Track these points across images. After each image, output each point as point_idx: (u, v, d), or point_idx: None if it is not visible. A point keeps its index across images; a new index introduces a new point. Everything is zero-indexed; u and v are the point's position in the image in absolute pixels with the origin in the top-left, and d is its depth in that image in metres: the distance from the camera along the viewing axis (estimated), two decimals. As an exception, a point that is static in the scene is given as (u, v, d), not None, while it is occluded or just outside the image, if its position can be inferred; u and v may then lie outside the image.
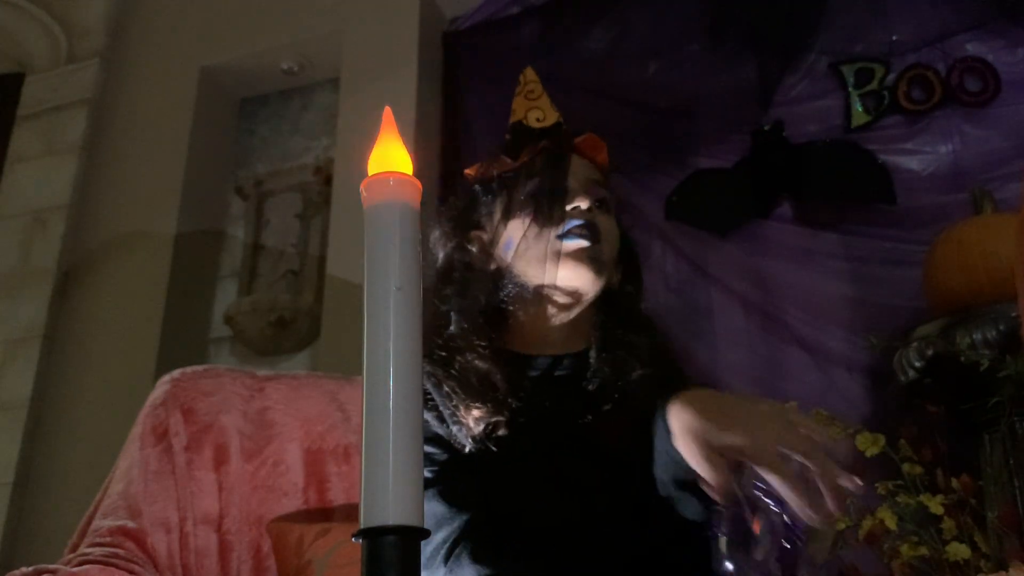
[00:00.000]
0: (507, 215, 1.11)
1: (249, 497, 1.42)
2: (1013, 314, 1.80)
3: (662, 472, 0.90)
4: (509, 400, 1.02)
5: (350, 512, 1.45)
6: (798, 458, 0.77)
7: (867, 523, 1.52)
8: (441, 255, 1.15)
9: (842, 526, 1.23)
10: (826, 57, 2.46)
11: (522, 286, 1.09)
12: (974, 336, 1.84)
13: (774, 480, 0.76)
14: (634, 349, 1.09)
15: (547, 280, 1.08)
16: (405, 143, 0.57)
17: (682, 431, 0.84)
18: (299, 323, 2.72)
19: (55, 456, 2.67)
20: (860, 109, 2.41)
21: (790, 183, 2.42)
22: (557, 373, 1.10)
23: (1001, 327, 1.82)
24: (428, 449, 1.01)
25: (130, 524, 1.29)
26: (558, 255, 1.07)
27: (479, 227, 1.15)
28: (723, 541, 0.79)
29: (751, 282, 2.40)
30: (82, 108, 3.11)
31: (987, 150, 2.28)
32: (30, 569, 1.12)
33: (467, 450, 1.00)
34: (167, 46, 3.16)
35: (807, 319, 2.31)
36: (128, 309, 2.79)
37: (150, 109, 3.07)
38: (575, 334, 1.12)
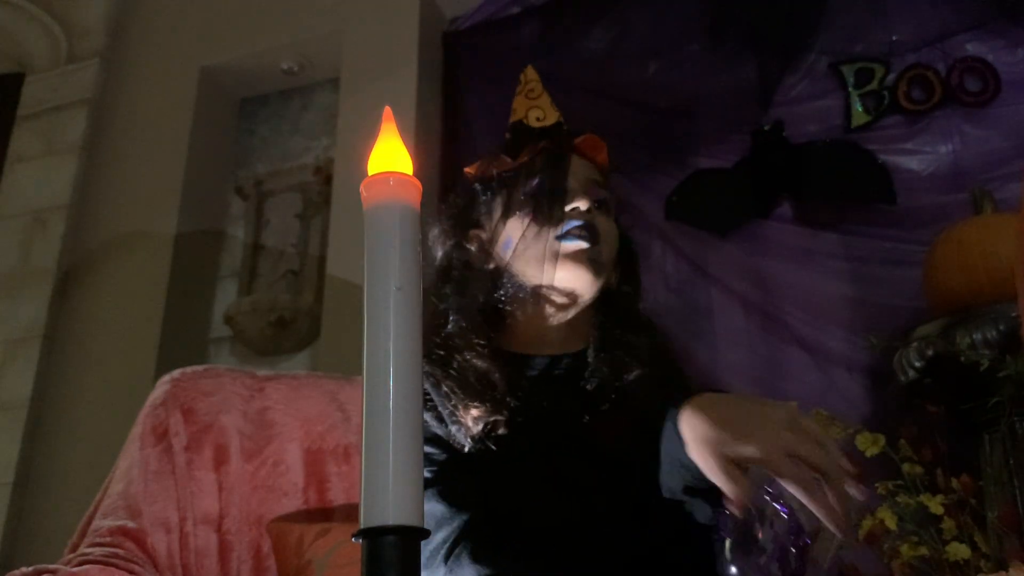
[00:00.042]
0: (506, 214, 1.11)
1: (249, 497, 1.42)
2: (1013, 314, 1.80)
3: (670, 479, 0.89)
4: (508, 399, 1.02)
5: (350, 512, 1.45)
6: (811, 467, 0.76)
7: (867, 523, 1.53)
8: (440, 253, 1.15)
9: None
10: (826, 57, 2.47)
11: (520, 286, 1.09)
12: (974, 336, 1.84)
13: (794, 489, 0.75)
14: (632, 349, 1.08)
15: (545, 281, 1.08)
16: (405, 143, 0.57)
17: (696, 441, 0.83)
18: (299, 323, 2.72)
19: (55, 456, 2.67)
20: (860, 109, 2.41)
21: (790, 183, 2.43)
22: (555, 373, 1.10)
23: (1001, 327, 1.83)
24: (427, 449, 1.01)
25: (130, 524, 1.29)
26: (556, 256, 1.07)
27: (478, 226, 1.14)
28: (728, 544, 0.79)
29: (751, 282, 2.40)
30: (82, 108, 3.11)
31: (987, 150, 2.28)
32: (30, 569, 1.12)
33: (466, 450, 1.00)
34: (167, 46, 3.16)
35: (807, 319, 2.31)
36: (128, 309, 2.79)
37: (150, 109, 3.07)
38: (573, 334, 1.12)
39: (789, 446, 0.77)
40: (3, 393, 2.77)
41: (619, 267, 1.16)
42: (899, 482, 1.57)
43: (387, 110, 0.58)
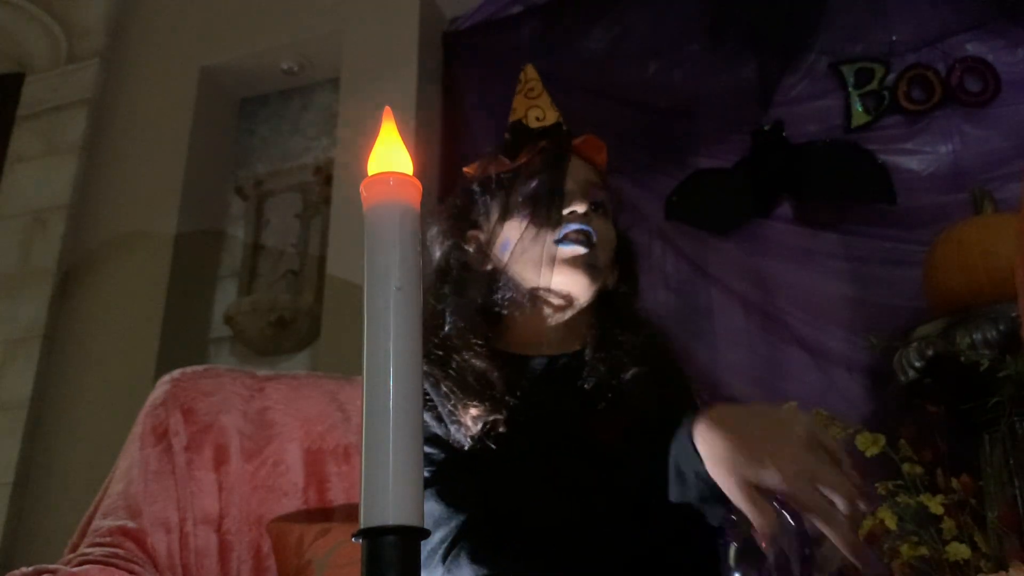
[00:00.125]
0: (504, 216, 1.11)
1: (249, 497, 1.42)
2: (1013, 314, 1.80)
3: (685, 489, 0.87)
4: (507, 399, 1.02)
5: (350, 512, 1.45)
6: (835, 496, 0.75)
7: (867, 523, 1.52)
8: (438, 254, 1.15)
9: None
10: (826, 57, 2.47)
11: (517, 288, 1.09)
12: (974, 336, 1.84)
13: (815, 518, 0.74)
14: (629, 348, 1.08)
15: (542, 283, 1.08)
16: (405, 143, 0.57)
17: (714, 459, 0.82)
18: (299, 323, 2.72)
19: (55, 456, 2.67)
20: (860, 109, 2.41)
21: (790, 183, 2.43)
22: (553, 373, 1.10)
23: (1001, 327, 1.83)
24: (426, 449, 1.01)
25: (130, 524, 1.29)
26: (553, 260, 1.07)
27: (476, 227, 1.15)
28: (733, 550, 0.79)
29: (751, 282, 2.40)
30: (82, 108, 3.11)
31: (987, 150, 2.28)
32: (30, 569, 1.12)
33: (465, 449, 1.00)
34: (167, 46, 3.16)
35: (807, 319, 2.31)
36: (128, 309, 2.79)
37: (150, 109, 3.07)
38: (571, 334, 1.12)
39: (810, 471, 0.76)
40: (3, 393, 2.77)
41: (617, 267, 1.16)
42: (899, 482, 1.57)
43: (387, 110, 0.58)
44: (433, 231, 1.16)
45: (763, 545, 0.75)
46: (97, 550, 1.22)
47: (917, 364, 1.90)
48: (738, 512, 0.78)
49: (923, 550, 1.53)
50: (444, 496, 0.97)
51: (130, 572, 1.19)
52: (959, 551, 1.49)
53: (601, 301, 1.13)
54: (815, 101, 2.47)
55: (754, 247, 2.42)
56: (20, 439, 2.68)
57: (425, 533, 0.49)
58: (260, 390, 1.51)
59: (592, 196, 1.11)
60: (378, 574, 0.47)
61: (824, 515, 0.74)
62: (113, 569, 1.17)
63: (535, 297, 1.09)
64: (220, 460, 1.41)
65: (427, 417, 1.03)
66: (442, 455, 1.01)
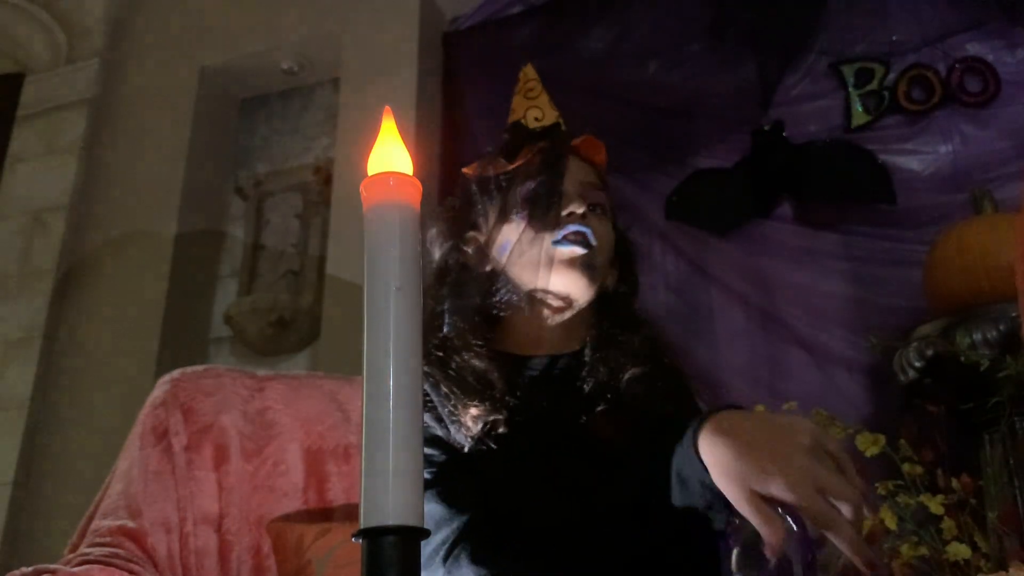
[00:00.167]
0: (503, 218, 1.11)
1: (249, 497, 1.42)
2: (1013, 314, 1.80)
3: (689, 496, 0.87)
4: (507, 399, 1.02)
5: (350, 512, 1.45)
6: (842, 505, 0.76)
7: (867, 523, 1.52)
8: (437, 255, 1.15)
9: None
10: (826, 57, 2.47)
11: (516, 289, 1.09)
12: (974, 336, 1.84)
13: (828, 533, 0.74)
14: (629, 348, 1.08)
15: (540, 285, 1.08)
16: (405, 143, 0.57)
17: (719, 468, 0.81)
18: (299, 323, 2.72)
19: (55, 456, 2.67)
20: (860, 109, 2.41)
21: (790, 183, 2.43)
22: (553, 373, 1.10)
23: (1001, 327, 1.83)
24: (427, 451, 1.01)
25: (130, 524, 1.29)
26: (552, 262, 1.07)
27: (475, 228, 1.14)
28: (735, 553, 0.79)
29: (751, 282, 2.40)
30: (82, 108, 3.11)
31: (987, 150, 2.28)
32: (30, 569, 1.12)
33: (466, 450, 1.00)
34: (167, 46, 3.15)
35: (807, 319, 2.31)
36: (128, 309, 2.79)
37: (150, 109, 3.07)
38: (570, 335, 1.12)
39: (817, 480, 0.76)
40: (3, 393, 2.77)
41: (616, 267, 1.16)
42: (899, 482, 1.57)
43: (387, 110, 0.58)
44: (432, 232, 1.16)
45: (768, 554, 0.75)
46: (97, 550, 1.22)
47: (917, 364, 1.90)
48: (740, 516, 0.78)
49: (923, 550, 1.53)
50: (444, 497, 0.97)
51: (130, 572, 1.19)
52: (959, 551, 1.49)
53: (601, 301, 1.13)
54: (815, 101, 2.47)
55: (754, 247, 2.43)
56: (20, 439, 2.67)
57: (425, 533, 0.49)
58: (260, 390, 1.51)
59: (590, 197, 1.11)
60: (378, 574, 0.47)
61: (832, 524, 0.74)
62: (113, 569, 1.17)
63: (534, 298, 1.09)
64: (220, 460, 1.41)
65: (427, 418, 1.03)
66: (442, 456, 1.01)
